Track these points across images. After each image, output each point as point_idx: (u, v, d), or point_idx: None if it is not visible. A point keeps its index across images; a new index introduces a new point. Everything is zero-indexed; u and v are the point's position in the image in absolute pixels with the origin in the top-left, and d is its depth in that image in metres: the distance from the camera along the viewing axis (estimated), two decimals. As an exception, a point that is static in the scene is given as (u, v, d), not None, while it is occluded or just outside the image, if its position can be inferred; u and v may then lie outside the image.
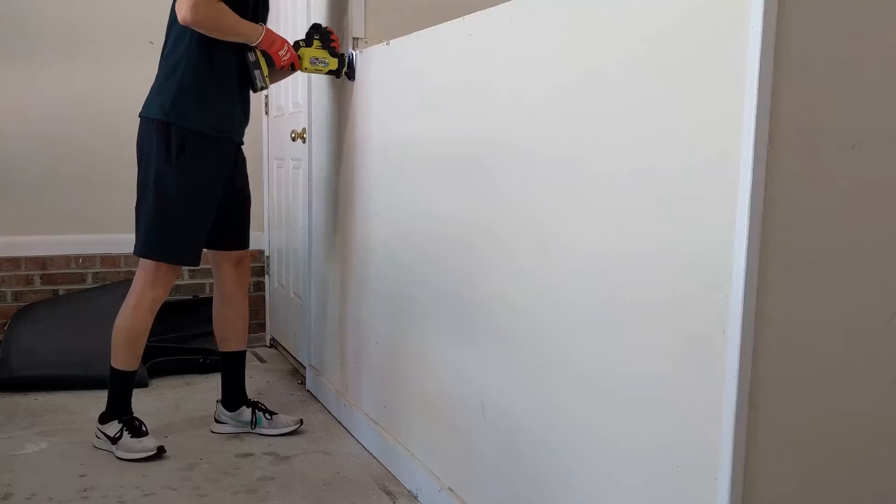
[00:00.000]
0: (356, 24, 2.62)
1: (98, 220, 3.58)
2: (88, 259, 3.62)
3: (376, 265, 2.48)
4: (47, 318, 3.33)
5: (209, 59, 2.39)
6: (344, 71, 2.58)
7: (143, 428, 2.52)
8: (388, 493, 2.26)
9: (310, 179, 3.07)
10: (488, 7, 1.80)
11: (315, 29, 2.59)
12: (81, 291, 3.55)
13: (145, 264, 2.49)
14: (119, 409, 2.54)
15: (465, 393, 1.96)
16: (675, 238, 1.28)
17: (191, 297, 3.72)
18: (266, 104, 3.75)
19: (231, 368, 2.72)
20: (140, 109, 2.46)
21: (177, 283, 3.72)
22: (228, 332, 2.70)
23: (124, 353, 2.52)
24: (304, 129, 3.11)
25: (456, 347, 2.01)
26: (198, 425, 2.77)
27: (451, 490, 2.05)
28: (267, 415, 2.69)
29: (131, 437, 2.49)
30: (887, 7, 1.18)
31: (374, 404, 2.54)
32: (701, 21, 1.22)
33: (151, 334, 3.44)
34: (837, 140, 1.17)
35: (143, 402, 2.98)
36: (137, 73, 3.50)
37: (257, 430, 2.68)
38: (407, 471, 2.29)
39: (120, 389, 2.55)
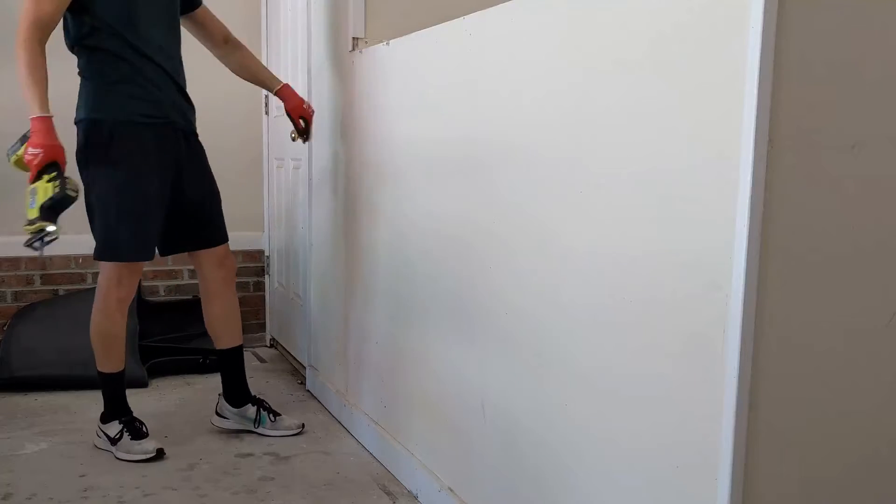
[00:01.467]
0: (356, 24, 2.62)
1: (98, 220, 3.57)
2: (88, 259, 3.60)
3: (376, 265, 2.48)
4: (47, 318, 3.33)
5: (117, 50, 2.36)
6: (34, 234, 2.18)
7: (144, 429, 2.52)
8: (388, 493, 2.26)
9: (310, 179, 3.07)
10: (488, 7, 1.80)
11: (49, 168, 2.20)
12: (81, 291, 3.55)
13: (105, 267, 2.46)
14: (117, 410, 2.54)
15: (465, 393, 1.96)
16: (675, 238, 1.28)
17: (191, 298, 3.72)
18: (266, 104, 3.75)
19: (230, 365, 2.71)
20: None
21: (177, 282, 3.74)
22: (220, 329, 2.68)
23: (104, 356, 2.51)
24: (304, 129, 3.11)
25: (456, 347, 2.01)
26: (198, 425, 2.77)
27: (451, 490, 2.05)
28: (271, 415, 2.68)
29: (131, 438, 2.48)
30: (887, 7, 1.19)
31: (374, 404, 2.54)
32: (701, 21, 1.22)
33: (151, 334, 3.46)
34: (837, 140, 1.17)
35: (143, 402, 2.99)
36: (137, 73, 3.51)
37: (259, 430, 2.68)
38: (407, 471, 2.29)
39: (112, 392, 2.55)
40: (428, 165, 2.14)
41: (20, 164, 2.21)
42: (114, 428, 2.51)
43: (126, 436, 2.49)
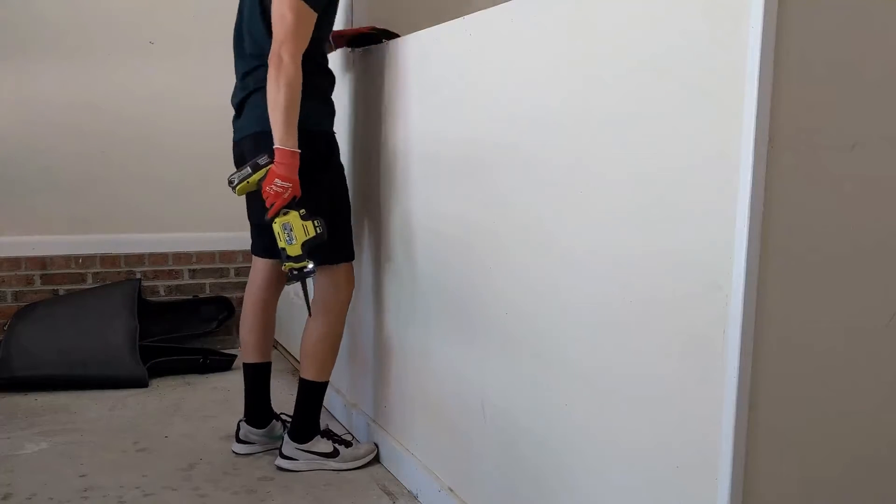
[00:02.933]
0: (357, 24, 2.62)
1: (98, 220, 3.58)
2: (88, 259, 3.61)
3: (376, 265, 2.48)
4: (47, 318, 3.33)
5: (317, 59, 2.29)
6: (290, 268, 2.17)
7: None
8: (388, 493, 2.26)
9: (310, 179, 3.06)
10: (488, 7, 1.80)
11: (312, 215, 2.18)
12: (82, 291, 3.55)
13: (332, 272, 2.34)
14: (317, 425, 2.45)
15: (465, 393, 1.96)
16: (676, 238, 1.28)
17: (191, 297, 3.72)
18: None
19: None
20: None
21: (177, 283, 3.74)
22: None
23: (328, 363, 2.42)
24: (304, 129, 3.10)
25: (456, 347, 2.01)
26: (198, 425, 2.77)
27: (451, 490, 2.05)
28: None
29: (345, 447, 2.44)
30: (887, 7, 1.19)
31: (374, 404, 2.54)
32: (701, 21, 1.22)
33: (151, 334, 3.46)
34: (837, 140, 1.17)
35: (143, 402, 2.99)
36: (138, 73, 3.52)
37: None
38: (407, 471, 2.29)
39: (319, 403, 2.45)
40: (428, 165, 2.13)
41: (247, 188, 2.16)
42: (323, 444, 2.42)
43: (341, 446, 2.43)
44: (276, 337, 3.80)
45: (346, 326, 2.74)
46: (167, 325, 3.56)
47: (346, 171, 2.66)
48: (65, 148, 3.52)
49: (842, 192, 1.19)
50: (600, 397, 1.47)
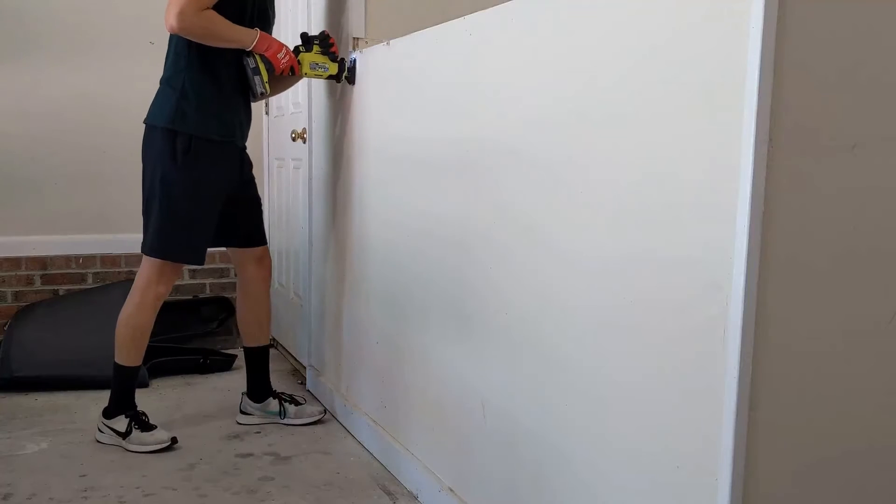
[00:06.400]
0: (356, 24, 2.62)
1: (98, 220, 3.58)
2: (88, 259, 3.62)
3: (376, 265, 2.48)
4: (48, 318, 3.33)
5: (211, 68, 2.42)
6: (344, 75, 2.59)
7: (151, 421, 2.58)
8: (389, 493, 2.26)
9: (310, 180, 3.07)
10: (488, 7, 1.80)
11: (317, 36, 2.59)
12: (82, 291, 3.55)
13: (150, 262, 2.53)
14: (124, 404, 2.59)
15: (465, 393, 1.96)
16: (676, 238, 1.28)
17: (191, 298, 3.72)
18: (266, 104, 3.76)
19: (256, 363, 2.80)
20: (142, 112, 2.48)
21: (177, 282, 3.73)
22: (254, 328, 2.78)
23: (129, 349, 2.57)
24: (304, 130, 3.11)
25: (456, 347, 2.01)
26: (198, 425, 2.77)
27: (452, 490, 2.05)
28: (293, 404, 2.79)
29: (142, 431, 2.54)
30: (887, 8, 1.19)
31: (374, 404, 2.54)
32: (702, 21, 1.22)
33: (151, 334, 3.45)
34: (837, 140, 1.17)
35: (143, 403, 2.97)
36: (138, 73, 3.51)
37: (285, 421, 2.76)
38: (407, 471, 2.29)
39: (125, 385, 2.60)
40: (428, 166, 2.13)
41: (268, 86, 2.48)
42: (121, 422, 2.56)
43: (136, 429, 2.54)
44: (276, 336, 3.81)
45: (346, 326, 2.75)
46: (167, 325, 3.55)
47: (347, 173, 2.67)
48: (65, 148, 3.52)
49: (842, 193, 1.19)
50: (600, 397, 1.47)
